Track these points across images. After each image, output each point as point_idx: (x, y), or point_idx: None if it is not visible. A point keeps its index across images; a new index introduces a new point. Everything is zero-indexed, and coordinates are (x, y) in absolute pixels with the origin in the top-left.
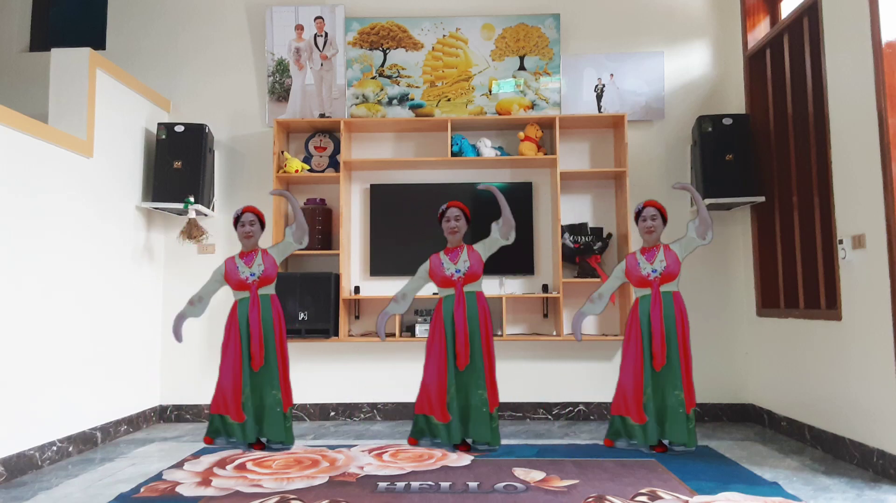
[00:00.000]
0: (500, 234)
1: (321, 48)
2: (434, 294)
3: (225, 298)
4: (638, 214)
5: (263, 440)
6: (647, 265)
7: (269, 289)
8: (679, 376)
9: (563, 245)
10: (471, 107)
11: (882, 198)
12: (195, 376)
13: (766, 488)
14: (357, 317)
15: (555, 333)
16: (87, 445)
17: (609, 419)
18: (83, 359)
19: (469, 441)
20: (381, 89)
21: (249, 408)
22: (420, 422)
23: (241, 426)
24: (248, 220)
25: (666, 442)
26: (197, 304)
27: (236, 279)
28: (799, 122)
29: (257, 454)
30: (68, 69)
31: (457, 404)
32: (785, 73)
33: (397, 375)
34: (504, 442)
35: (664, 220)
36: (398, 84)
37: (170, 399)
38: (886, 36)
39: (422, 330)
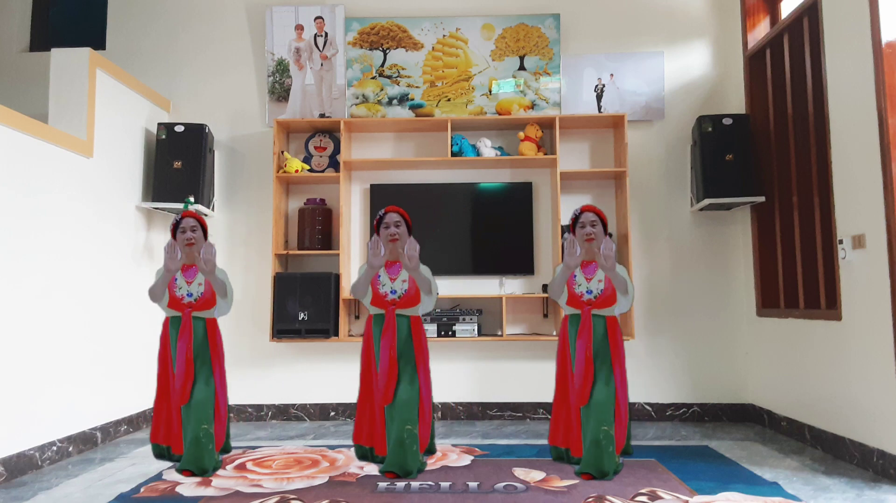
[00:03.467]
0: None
1: (321, 48)
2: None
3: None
4: (575, 220)
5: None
6: (584, 283)
7: (208, 314)
8: (609, 410)
9: (563, 245)
10: (471, 107)
11: (882, 198)
12: None
13: (766, 488)
14: (357, 317)
15: (555, 333)
16: (87, 445)
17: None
18: (83, 359)
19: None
20: (381, 89)
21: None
22: (358, 450)
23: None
24: (189, 226)
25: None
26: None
27: (171, 294)
28: (799, 122)
29: (257, 454)
30: (68, 69)
31: (392, 435)
32: (785, 73)
33: None
34: (504, 442)
35: (605, 228)
36: (398, 84)
37: None
38: (886, 36)
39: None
